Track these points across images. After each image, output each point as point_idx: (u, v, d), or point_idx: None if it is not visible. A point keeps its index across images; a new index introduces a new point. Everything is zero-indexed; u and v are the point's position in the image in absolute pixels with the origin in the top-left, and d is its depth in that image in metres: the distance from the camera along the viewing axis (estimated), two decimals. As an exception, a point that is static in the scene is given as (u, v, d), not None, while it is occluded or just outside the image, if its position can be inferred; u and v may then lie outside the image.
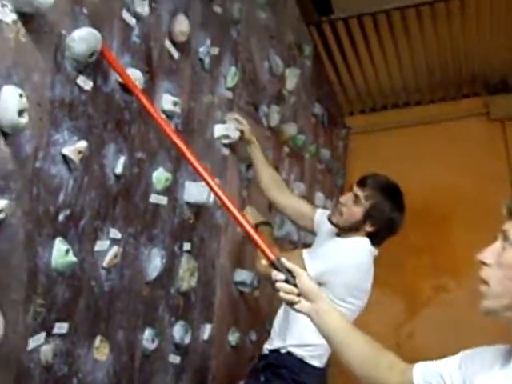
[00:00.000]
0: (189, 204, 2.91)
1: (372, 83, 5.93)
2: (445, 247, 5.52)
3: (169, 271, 2.77)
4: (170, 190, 2.74)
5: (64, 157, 2.09)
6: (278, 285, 1.93)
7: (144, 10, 2.44)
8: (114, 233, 2.39)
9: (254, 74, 3.69)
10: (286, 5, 4.29)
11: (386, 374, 1.79)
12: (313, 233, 3.17)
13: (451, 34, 5.18)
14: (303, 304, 1.91)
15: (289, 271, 1.93)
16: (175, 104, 2.67)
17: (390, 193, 2.87)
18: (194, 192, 2.88)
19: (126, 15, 2.38)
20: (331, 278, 2.70)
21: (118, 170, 2.37)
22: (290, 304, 1.93)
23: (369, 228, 2.82)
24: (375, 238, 2.86)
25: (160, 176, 2.64)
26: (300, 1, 4.53)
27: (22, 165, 1.91)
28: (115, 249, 2.38)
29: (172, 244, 2.82)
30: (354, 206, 2.82)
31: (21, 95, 1.82)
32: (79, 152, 2.12)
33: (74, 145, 2.11)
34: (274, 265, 1.96)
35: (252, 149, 3.28)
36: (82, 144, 2.13)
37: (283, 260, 1.96)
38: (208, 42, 3.00)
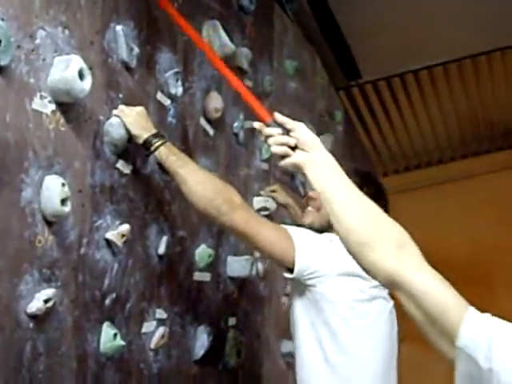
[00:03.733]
0: (232, 278, 2.90)
1: (404, 143, 5.95)
2: (489, 305, 5.41)
3: (216, 348, 2.74)
4: (213, 266, 2.73)
5: (107, 241, 2.10)
6: (271, 139, 1.68)
7: (178, 90, 2.47)
8: (160, 313, 2.38)
9: (288, 144, 3.71)
10: (314, 73, 4.32)
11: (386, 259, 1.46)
12: None
13: (479, 89, 5.20)
14: (298, 154, 1.64)
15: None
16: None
17: (365, 178, 2.56)
18: (237, 266, 2.87)
19: (160, 97, 2.41)
20: None
21: (161, 250, 2.37)
22: (283, 157, 1.66)
23: None
24: None
25: (202, 253, 2.64)
26: (328, 67, 4.57)
27: (67, 252, 1.92)
28: (162, 329, 2.36)
29: (217, 320, 2.80)
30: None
31: (63, 184, 1.84)
32: (122, 235, 2.13)
33: (116, 229, 2.12)
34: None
35: (290, 211, 3.26)
36: (125, 227, 2.14)
37: (277, 115, 1.73)
38: (241, 116, 3.02)
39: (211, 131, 2.78)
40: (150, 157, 2.24)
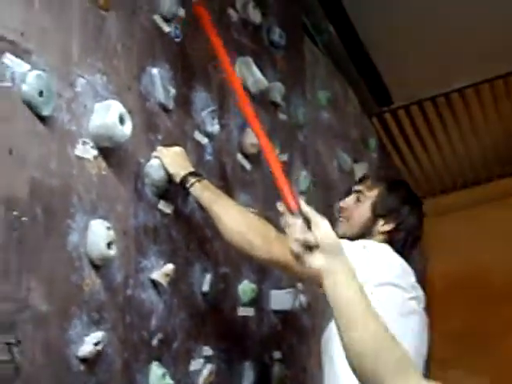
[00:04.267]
0: (275, 312, 2.90)
1: (439, 166, 5.93)
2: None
3: (262, 383, 2.74)
4: (256, 301, 2.74)
5: (153, 281, 2.12)
6: (291, 231, 1.59)
7: (214, 128, 2.50)
8: (207, 350, 2.39)
9: (324, 174, 3.73)
10: (347, 102, 4.35)
11: None
12: None
13: (513, 108, 5.18)
14: (316, 258, 1.55)
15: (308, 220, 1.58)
16: (253, 215, 2.71)
17: (394, 183, 2.55)
18: (280, 300, 2.88)
19: (197, 135, 2.45)
20: None
21: (205, 287, 2.39)
22: (298, 257, 1.58)
23: (383, 226, 2.41)
24: (396, 242, 2.40)
25: (245, 288, 2.65)
26: (360, 95, 4.59)
27: (114, 294, 1.95)
28: (209, 367, 2.37)
29: (262, 354, 2.80)
30: (359, 204, 2.46)
31: (108, 228, 1.87)
32: (167, 275, 2.14)
33: (161, 269, 2.14)
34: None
35: None
36: (169, 267, 2.16)
37: (303, 206, 1.62)
38: (277, 149, 3.04)
39: (248, 166, 2.80)
40: (190, 196, 2.26)
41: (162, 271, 2.14)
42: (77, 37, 1.88)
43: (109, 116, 1.87)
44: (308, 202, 3.10)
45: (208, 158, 2.52)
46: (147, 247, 2.12)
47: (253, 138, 2.75)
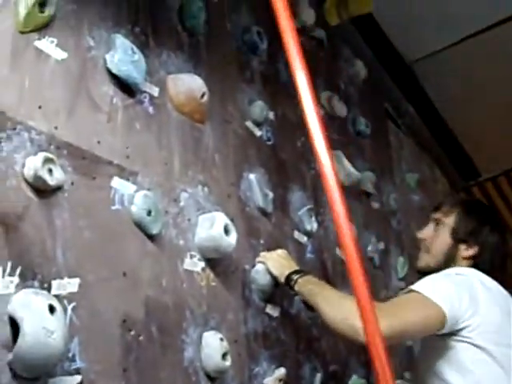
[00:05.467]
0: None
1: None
2: None
3: None
4: (367, 395, 2.69)
5: (267, 389, 2.10)
6: None
7: (312, 226, 2.51)
8: None
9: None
10: (435, 181, 4.33)
11: None
12: None
13: None
14: None
15: None
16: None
17: (471, 204, 2.41)
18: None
19: (297, 235, 2.46)
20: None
21: (316, 387, 2.36)
22: None
23: (466, 251, 2.22)
24: (482, 264, 2.20)
25: (355, 383, 2.60)
26: (446, 172, 4.56)
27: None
28: None
29: None
30: (437, 232, 2.28)
31: (221, 339, 1.87)
32: (280, 380, 2.12)
33: (273, 374, 2.12)
34: None
35: None
36: (281, 371, 2.14)
37: None
38: (373, 239, 3.03)
39: (349, 261, 2.78)
40: (296, 293, 2.24)
41: (274, 376, 2.12)
42: (177, 152, 1.94)
43: (214, 228, 1.90)
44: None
45: (309, 255, 2.52)
46: (258, 353, 2.11)
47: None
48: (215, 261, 1.97)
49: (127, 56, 1.74)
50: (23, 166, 1.45)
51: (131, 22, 1.87)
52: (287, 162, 2.51)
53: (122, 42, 1.75)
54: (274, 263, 2.19)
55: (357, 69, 3.31)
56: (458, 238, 2.23)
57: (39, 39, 1.57)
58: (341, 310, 1.97)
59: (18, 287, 1.38)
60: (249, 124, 2.33)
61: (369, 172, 3.12)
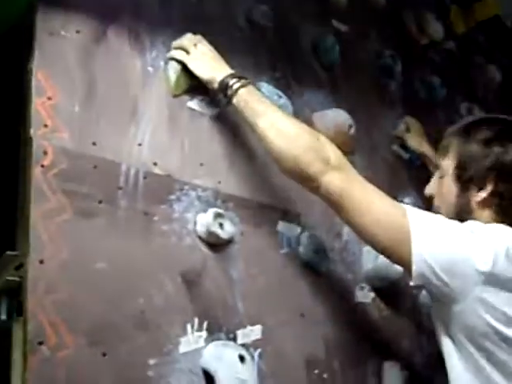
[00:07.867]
0: None
1: None
2: None
3: None
4: None
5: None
6: None
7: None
8: None
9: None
10: None
11: None
12: None
13: None
14: None
15: None
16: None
17: (467, 127, 1.68)
18: None
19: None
20: None
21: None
22: None
23: (477, 194, 1.57)
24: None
25: None
26: None
27: None
28: None
29: None
30: (443, 180, 1.67)
31: (400, 368, 1.87)
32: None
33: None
34: None
35: (426, 161, 2.42)
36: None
37: None
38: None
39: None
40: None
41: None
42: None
43: (380, 257, 1.88)
44: None
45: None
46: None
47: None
48: (383, 290, 1.96)
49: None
50: (195, 223, 1.51)
51: (271, 68, 1.91)
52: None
53: (267, 89, 1.79)
54: (200, 64, 1.65)
55: (491, 74, 3.22)
56: (462, 178, 1.62)
57: (191, 99, 1.63)
58: (295, 144, 1.53)
59: (207, 341, 1.44)
60: (395, 148, 2.32)
61: None
